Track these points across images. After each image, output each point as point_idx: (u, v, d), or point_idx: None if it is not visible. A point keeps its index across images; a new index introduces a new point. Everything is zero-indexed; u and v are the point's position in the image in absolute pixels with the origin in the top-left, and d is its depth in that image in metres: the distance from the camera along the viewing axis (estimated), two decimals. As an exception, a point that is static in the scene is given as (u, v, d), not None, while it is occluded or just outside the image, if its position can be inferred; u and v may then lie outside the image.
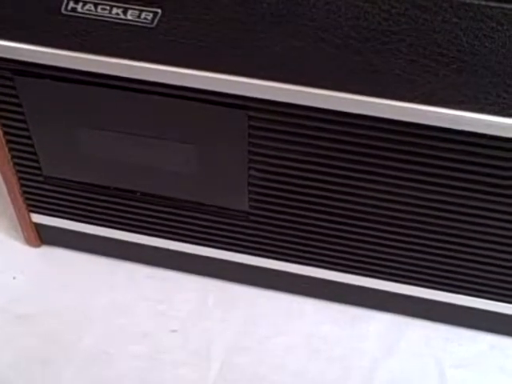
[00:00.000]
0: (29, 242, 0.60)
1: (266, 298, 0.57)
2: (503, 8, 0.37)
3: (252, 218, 0.52)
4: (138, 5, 0.41)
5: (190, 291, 0.58)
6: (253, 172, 0.48)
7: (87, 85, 0.45)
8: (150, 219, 0.54)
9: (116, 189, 0.53)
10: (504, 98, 0.40)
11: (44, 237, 0.60)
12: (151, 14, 0.41)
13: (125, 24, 0.41)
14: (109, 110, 0.46)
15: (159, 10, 0.40)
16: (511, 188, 0.44)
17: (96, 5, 0.41)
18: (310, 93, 0.42)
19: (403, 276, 0.52)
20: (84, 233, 0.57)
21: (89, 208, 0.55)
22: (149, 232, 0.55)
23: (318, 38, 0.40)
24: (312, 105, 0.43)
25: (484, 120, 0.41)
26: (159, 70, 0.43)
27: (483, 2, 0.37)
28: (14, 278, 0.59)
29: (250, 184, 0.49)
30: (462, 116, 0.41)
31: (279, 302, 0.57)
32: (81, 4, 0.41)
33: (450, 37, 0.38)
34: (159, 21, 0.41)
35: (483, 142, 0.42)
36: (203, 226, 0.54)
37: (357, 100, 0.41)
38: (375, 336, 0.55)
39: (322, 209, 0.49)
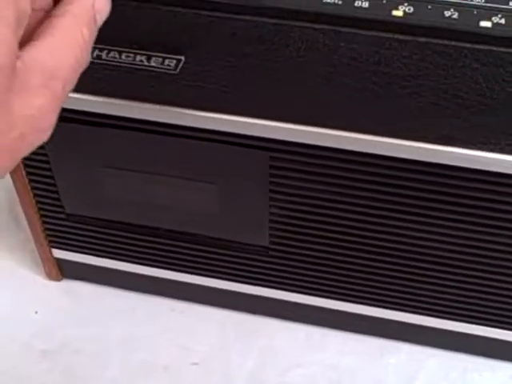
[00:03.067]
0: (50, 276, 0.61)
1: (286, 330, 0.58)
2: (522, 54, 0.37)
3: (272, 253, 0.52)
4: (162, 52, 0.41)
5: (211, 324, 0.59)
6: (274, 210, 0.49)
7: (111, 128, 0.46)
8: (170, 254, 0.55)
9: (137, 225, 0.53)
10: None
11: (65, 271, 0.60)
12: (174, 61, 0.41)
13: (149, 70, 0.42)
14: (132, 152, 0.47)
15: (182, 57, 0.41)
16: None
17: (120, 52, 0.42)
18: (330, 135, 0.42)
19: (424, 308, 0.53)
20: (104, 267, 0.58)
21: (109, 244, 0.56)
22: (170, 267, 0.56)
23: (341, 83, 0.40)
24: (334, 146, 0.43)
25: (504, 160, 0.41)
26: (182, 113, 0.44)
27: (502, 49, 0.37)
28: (35, 312, 0.59)
29: (270, 221, 0.50)
30: (481, 156, 0.41)
31: (299, 333, 0.58)
32: (105, 52, 0.42)
33: (470, 81, 0.39)
34: (182, 67, 0.41)
35: (504, 180, 0.42)
36: (224, 261, 0.54)
37: (376, 141, 0.42)
38: (395, 367, 0.56)
39: (342, 244, 0.50)
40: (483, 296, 0.51)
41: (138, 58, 0.42)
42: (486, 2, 0.39)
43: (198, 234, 0.53)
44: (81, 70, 0.32)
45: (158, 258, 0.56)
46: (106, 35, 0.40)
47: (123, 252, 0.56)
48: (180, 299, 0.59)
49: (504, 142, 0.41)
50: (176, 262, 0.55)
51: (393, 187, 0.45)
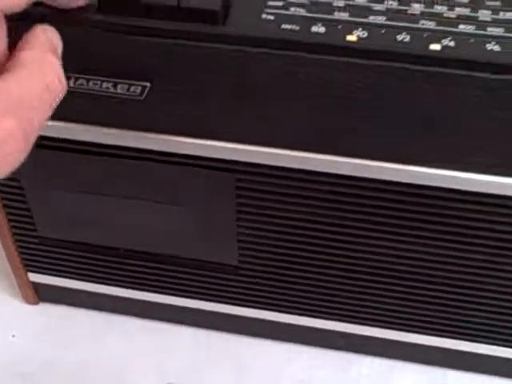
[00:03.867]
0: (26, 299, 0.61)
1: (258, 347, 0.59)
2: (470, 75, 0.39)
3: (241, 271, 0.53)
4: (128, 79, 0.43)
5: (184, 343, 0.59)
6: (241, 230, 0.50)
7: (80, 153, 0.47)
8: (142, 275, 0.56)
9: (109, 248, 0.54)
10: (480, 157, 0.42)
11: (41, 294, 0.61)
12: (140, 87, 0.43)
13: (115, 97, 0.43)
14: (101, 176, 0.48)
15: (148, 84, 0.43)
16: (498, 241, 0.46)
17: (88, 80, 0.43)
18: (292, 156, 0.44)
19: (394, 323, 0.54)
20: (79, 290, 0.59)
21: (83, 266, 0.57)
22: (142, 287, 0.57)
23: (300, 106, 0.42)
24: (296, 167, 0.45)
25: (459, 177, 0.43)
26: (148, 137, 0.45)
27: (452, 70, 0.39)
28: (13, 336, 0.60)
29: (239, 241, 0.51)
30: (439, 174, 0.43)
31: (271, 349, 0.59)
32: (73, 79, 0.43)
33: (424, 102, 0.41)
34: (148, 93, 0.43)
35: (461, 197, 0.44)
36: (195, 280, 0.55)
37: (337, 162, 0.44)
38: (366, 381, 0.57)
39: (309, 262, 0.51)
40: (449, 309, 0.52)
41: (105, 84, 0.43)
42: (436, 26, 0.40)
43: (169, 254, 0.54)
44: (53, 99, 0.33)
45: (131, 280, 0.57)
46: (73, 63, 0.42)
47: (97, 274, 0.57)
48: (153, 319, 0.60)
49: (459, 159, 0.43)
50: (148, 282, 0.56)
51: (356, 206, 0.46)
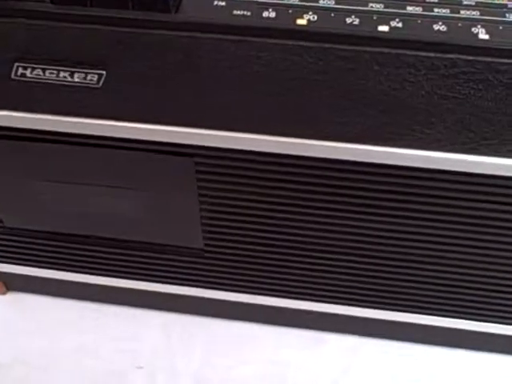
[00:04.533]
0: (-5, 290, 0.62)
1: (226, 328, 0.60)
2: (417, 55, 0.40)
3: (207, 254, 0.54)
4: (84, 68, 0.43)
5: (154, 327, 0.60)
6: (204, 213, 0.51)
7: (39, 142, 0.47)
8: (111, 262, 0.57)
9: (75, 235, 0.55)
10: (427, 134, 0.43)
11: (10, 284, 0.62)
12: (96, 76, 0.43)
13: (72, 85, 0.44)
14: (62, 164, 0.49)
15: (104, 72, 0.43)
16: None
17: (44, 70, 0.43)
18: (248, 138, 0.45)
19: (357, 300, 0.55)
20: (48, 278, 0.59)
21: (50, 254, 0.57)
22: (111, 274, 0.58)
23: (254, 89, 0.43)
24: (253, 149, 0.46)
25: (412, 154, 0.44)
26: (107, 125, 0.46)
27: (400, 51, 0.40)
28: (-18, 326, 0.61)
29: (203, 224, 0.52)
30: (390, 152, 0.44)
31: (240, 330, 0.60)
32: (29, 70, 0.43)
33: (374, 83, 0.42)
34: (105, 81, 0.43)
35: (413, 174, 0.45)
36: (162, 265, 0.56)
37: (291, 143, 0.45)
38: (333, 357, 0.58)
39: (273, 242, 0.52)
40: (411, 285, 0.53)
41: (62, 74, 0.43)
42: (384, 8, 0.41)
43: (135, 240, 0.54)
44: None
45: (99, 266, 0.57)
46: (29, 53, 0.43)
47: (64, 262, 0.58)
48: (123, 305, 0.61)
49: (409, 137, 0.44)
50: (117, 268, 0.57)
51: (311, 185, 0.47)
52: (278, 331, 0.59)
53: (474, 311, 0.55)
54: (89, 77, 0.43)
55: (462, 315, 0.55)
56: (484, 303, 0.54)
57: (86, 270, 0.58)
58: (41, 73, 0.44)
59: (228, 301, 0.58)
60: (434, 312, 0.55)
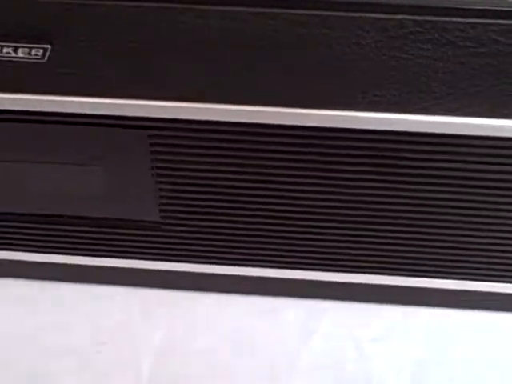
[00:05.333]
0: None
1: (188, 300, 0.60)
2: (365, 17, 0.40)
3: (164, 227, 0.54)
4: (28, 42, 0.42)
5: (115, 302, 0.60)
6: (161, 186, 0.51)
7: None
8: (69, 239, 0.56)
9: (33, 215, 0.54)
10: (380, 96, 0.43)
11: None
12: (41, 50, 0.42)
13: (17, 61, 0.43)
14: (13, 144, 0.48)
15: (49, 46, 0.42)
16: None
17: (-14, 45, 0.42)
18: (198, 108, 0.45)
19: (313, 264, 0.56)
20: (8, 259, 0.59)
21: (6, 236, 0.57)
22: (68, 251, 0.57)
23: (204, 58, 0.42)
24: (206, 119, 0.45)
25: (368, 117, 0.44)
26: (55, 100, 0.45)
27: (349, 14, 0.40)
28: None
29: (160, 197, 0.52)
30: (345, 115, 0.44)
31: (203, 301, 0.60)
32: (-29, 46, 0.42)
33: (325, 47, 0.41)
34: (50, 55, 0.42)
35: (371, 136, 0.46)
36: (120, 240, 0.56)
37: (242, 110, 0.45)
38: (294, 324, 0.59)
39: (230, 211, 0.52)
40: (360, 246, 0.54)
41: (5, 50, 0.42)
42: (331, -29, 0.41)
43: (92, 216, 0.54)
44: None
45: (57, 245, 0.57)
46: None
47: (25, 242, 0.57)
48: (83, 282, 0.61)
49: (364, 99, 0.44)
50: (73, 246, 0.57)
51: (266, 152, 0.47)
52: (240, 299, 0.60)
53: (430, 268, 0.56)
54: (33, 51, 0.42)
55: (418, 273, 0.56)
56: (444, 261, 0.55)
57: (47, 250, 0.58)
58: (-17, 49, 0.43)
59: (188, 272, 0.58)
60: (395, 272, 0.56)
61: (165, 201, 0.52)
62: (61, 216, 0.55)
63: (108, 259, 0.58)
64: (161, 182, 0.51)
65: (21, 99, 0.45)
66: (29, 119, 0.46)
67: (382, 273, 0.56)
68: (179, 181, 0.51)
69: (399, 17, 0.39)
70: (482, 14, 0.40)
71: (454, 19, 0.39)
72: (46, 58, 0.43)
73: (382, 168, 0.48)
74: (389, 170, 0.48)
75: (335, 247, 0.54)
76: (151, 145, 0.48)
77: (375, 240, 0.53)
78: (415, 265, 0.55)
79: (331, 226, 0.52)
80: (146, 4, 0.41)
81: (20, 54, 0.42)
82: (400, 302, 0.59)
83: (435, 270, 0.55)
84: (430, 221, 0.51)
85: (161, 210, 0.53)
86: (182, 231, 0.54)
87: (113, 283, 0.61)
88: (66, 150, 0.49)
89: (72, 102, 0.45)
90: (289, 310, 0.59)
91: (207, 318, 0.59)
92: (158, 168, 0.49)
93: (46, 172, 0.50)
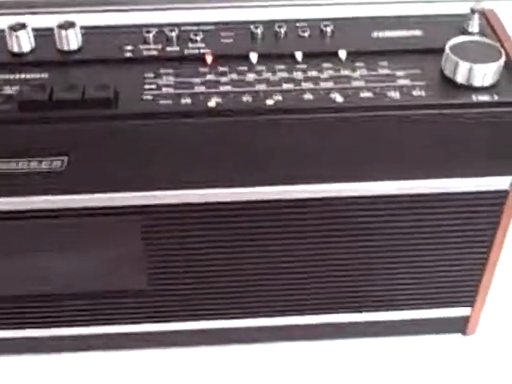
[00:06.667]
0: None
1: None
2: (292, 118, 0.56)
3: (148, 293, 0.67)
4: (48, 156, 0.57)
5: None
6: (150, 259, 0.64)
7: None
8: (54, 314, 0.68)
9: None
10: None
11: None
12: (60, 162, 0.57)
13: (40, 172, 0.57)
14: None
15: (65, 158, 0.57)
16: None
17: (17, 162, 0.56)
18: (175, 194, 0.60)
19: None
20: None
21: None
22: (57, 324, 0.69)
23: (176, 155, 0.58)
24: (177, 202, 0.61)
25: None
26: (70, 199, 0.59)
27: (285, 116, 0.56)
28: None
29: (148, 268, 0.65)
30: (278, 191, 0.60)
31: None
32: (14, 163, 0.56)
33: (261, 142, 0.58)
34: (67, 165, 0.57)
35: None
36: (104, 308, 0.68)
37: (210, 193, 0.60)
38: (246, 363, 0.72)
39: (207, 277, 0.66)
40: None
41: (33, 164, 0.57)
42: (267, 87, 0.57)
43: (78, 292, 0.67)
44: None
45: (42, 320, 0.69)
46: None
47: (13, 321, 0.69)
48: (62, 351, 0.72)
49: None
50: (62, 319, 0.69)
51: (222, 225, 0.63)
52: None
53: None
54: (53, 163, 0.57)
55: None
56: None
57: (25, 326, 0.69)
58: (13, 165, 0.57)
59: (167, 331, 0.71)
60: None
61: (152, 271, 0.65)
62: (49, 295, 0.66)
63: (83, 328, 0.69)
64: (150, 255, 0.64)
65: (39, 200, 0.59)
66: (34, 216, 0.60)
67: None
68: (166, 253, 0.64)
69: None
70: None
71: (360, 114, 0.56)
72: (63, 168, 0.57)
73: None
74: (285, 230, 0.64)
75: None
76: (142, 226, 0.62)
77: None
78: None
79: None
80: (135, 122, 0.55)
81: (43, 166, 0.57)
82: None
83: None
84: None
85: (148, 279, 0.66)
86: (165, 295, 0.67)
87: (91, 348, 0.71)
88: (64, 240, 0.62)
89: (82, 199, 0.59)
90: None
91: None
92: (148, 244, 0.63)
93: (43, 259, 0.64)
